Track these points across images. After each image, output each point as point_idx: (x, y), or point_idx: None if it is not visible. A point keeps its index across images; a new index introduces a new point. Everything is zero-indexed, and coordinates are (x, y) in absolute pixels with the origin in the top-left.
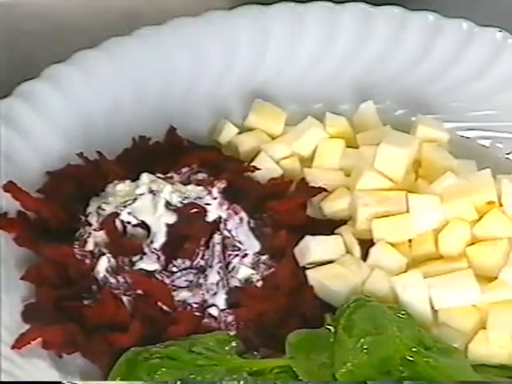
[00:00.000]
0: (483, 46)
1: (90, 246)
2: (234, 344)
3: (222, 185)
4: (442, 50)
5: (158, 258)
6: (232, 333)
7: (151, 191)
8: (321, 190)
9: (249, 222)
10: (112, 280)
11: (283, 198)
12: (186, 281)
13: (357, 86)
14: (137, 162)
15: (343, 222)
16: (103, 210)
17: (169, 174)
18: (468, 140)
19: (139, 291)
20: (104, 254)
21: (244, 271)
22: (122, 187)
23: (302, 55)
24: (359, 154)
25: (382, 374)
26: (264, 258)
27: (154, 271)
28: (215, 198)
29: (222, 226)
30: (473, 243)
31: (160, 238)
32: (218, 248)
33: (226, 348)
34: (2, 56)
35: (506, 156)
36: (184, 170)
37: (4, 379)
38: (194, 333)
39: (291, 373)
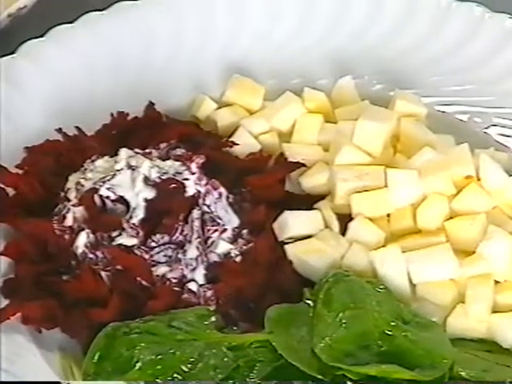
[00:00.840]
0: (461, 20)
1: (69, 222)
2: (213, 319)
3: (200, 160)
4: (420, 25)
5: (137, 233)
6: (211, 308)
7: (130, 167)
8: (299, 164)
9: (228, 197)
10: (91, 255)
11: (262, 173)
12: (165, 256)
13: (335, 60)
14: (115, 138)
15: (322, 196)
16: (82, 185)
17: (147, 150)
18: (446, 115)
19: (118, 266)
20: (83, 230)
21: (223, 246)
22: (101, 163)
23: (280, 30)
24: (338, 128)
25: (361, 348)
26: (243, 232)
27: (132, 246)
28: (194, 174)
29: (200, 201)
30: (451, 217)
31: (139, 214)
32: (196, 223)
33: (206, 323)
34: None
35: (484, 130)
36: (162, 145)
37: None
38: (173, 308)
39: (270, 347)
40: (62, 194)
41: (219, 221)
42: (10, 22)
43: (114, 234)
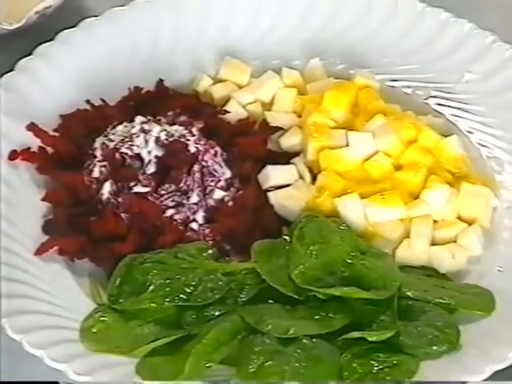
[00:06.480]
0: (406, 14)
1: (95, 174)
2: (210, 251)
3: (200, 125)
4: (375, 19)
5: (150, 183)
6: (209, 243)
7: (144, 130)
8: (278, 128)
9: (222, 155)
10: (113, 201)
11: (249, 135)
12: (173, 201)
13: (307, 45)
14: (132, 108)
15: (296, 154)
16: (106, 145)
17: (157, 117)
18: (394, 88)
19: (135, 210)
20: (107, 180)
21: (218, 193)
22: (121, 128)
23: (263, 21)
24: (309, 99)
25: (328, 274)
26: (234, 182)
27: (146, 194)
28: (194, 136)
29: (200, 157)
30: (399, 170)
31: (151, 168)
32: (197, 175)
33: (204, 254)
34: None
35: (424, 101)
36: (169, 113)
37: (24, 279)
38: (178, 243)
39: (256, 273)
40: (90, 152)
41: (215, 173)
42: (37, 19)
43: (132, 184)
